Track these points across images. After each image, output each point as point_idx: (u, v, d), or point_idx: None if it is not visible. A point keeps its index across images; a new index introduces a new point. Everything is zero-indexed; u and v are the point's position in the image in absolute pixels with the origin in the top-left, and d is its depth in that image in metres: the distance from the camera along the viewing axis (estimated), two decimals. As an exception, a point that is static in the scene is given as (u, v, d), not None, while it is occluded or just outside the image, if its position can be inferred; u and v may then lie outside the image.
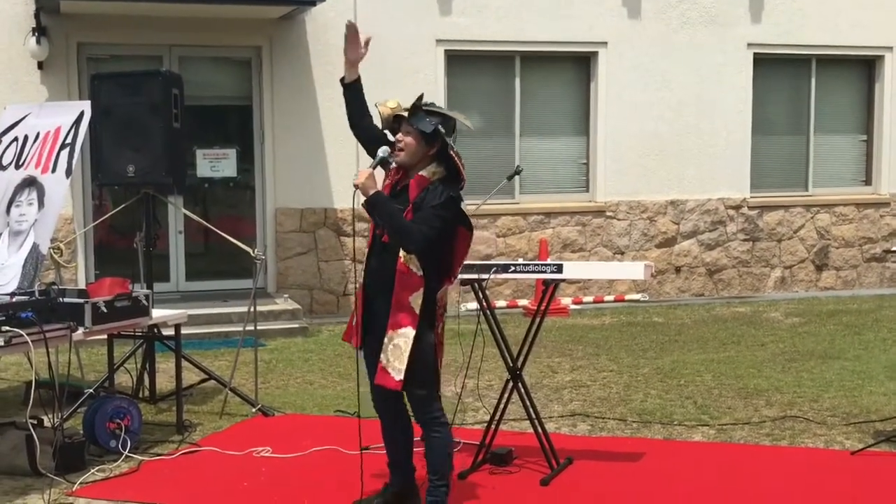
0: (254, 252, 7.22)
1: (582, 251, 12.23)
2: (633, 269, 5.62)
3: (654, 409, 6.99)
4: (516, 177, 9.87)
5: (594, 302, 12.04)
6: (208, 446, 6.10)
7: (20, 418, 5.84)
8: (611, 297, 12.16)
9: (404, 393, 4.73)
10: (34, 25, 10.25)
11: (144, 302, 6.13)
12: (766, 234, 12.92)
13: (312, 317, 10.95)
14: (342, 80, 5.03)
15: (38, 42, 10.24)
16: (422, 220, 4.52)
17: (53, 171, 7.10)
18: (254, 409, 6.91)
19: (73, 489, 5.32)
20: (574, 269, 5.64)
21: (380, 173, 4.69)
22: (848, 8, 12.88)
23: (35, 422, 5.64)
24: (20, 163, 7.32)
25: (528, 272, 5.64)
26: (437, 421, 4.74)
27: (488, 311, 5.58)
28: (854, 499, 5.16)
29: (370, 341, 4.78)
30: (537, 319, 5.58)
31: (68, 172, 7.10)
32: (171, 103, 7.04)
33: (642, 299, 12.23)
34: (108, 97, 7.11)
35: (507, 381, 5.65)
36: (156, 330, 6.94)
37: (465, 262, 5.58)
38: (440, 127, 4.66)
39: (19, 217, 7.09)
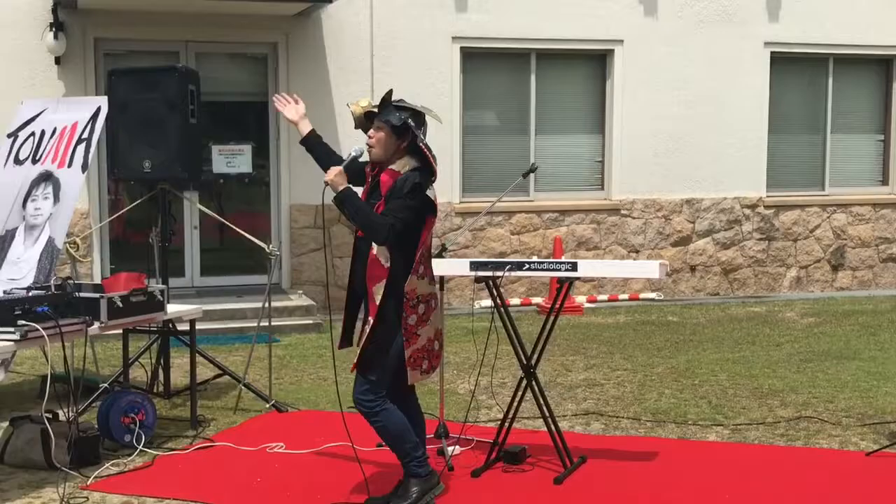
0: (268, 248, 7.24)
1: (597, 249, 12.21)
2: (648, 268, 5.60)
3: (668, 408, 6.97)
4: (531, 174, 9.85)
5: (608, 300, 12.02)
6: (222, 441, 6.12)
7: (36, 412, 5.88)
8: (625, 296, 12.14)
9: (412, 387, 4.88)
10: (51, 20, 10.29)
11: (160, 297, 6.14)
12: (782, 233, 12.87)
13: (326, 313, 10.96)
14: (300, 141, 5.33)
15: (55, 37, 10.28)
16: (390, 212, 4.64)
17: (70, 165, 7.13)
18: (267, 405, 6.92)
19: (88, 483, 5.34)
20: (589, 267, 5.62)
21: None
22: (866, 7, 12.82)
23: (50, 416, 5.65)
24: (37, 157, 7.35)
25: (542, 270, 5.63)
26: (373, 411, 4.79)
27: (503, 309, 5.56)
28: (869, 500, 5.13)
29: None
30: (551, 317, 5.57)
31: (84, 167, 7.13)
32: (188, 99, 7.05)
33: (657, 298, 12.20)
34: (124, 92, 7.12)
35: (521, 379, 5.63)
36: (171, 325, 6.95)
37: (480, 260, 5.61)
38: (410, 120, 4.78)
39: (35, 211, 7.12)
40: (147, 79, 7.13)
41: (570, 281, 5.48)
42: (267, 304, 7.16)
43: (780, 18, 12.63)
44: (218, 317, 9.87)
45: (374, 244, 4.69)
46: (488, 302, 10.50)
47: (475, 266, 5.61)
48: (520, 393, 5.65)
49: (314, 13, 11.06)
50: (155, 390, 7.13)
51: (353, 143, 5.26)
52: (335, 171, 4.64)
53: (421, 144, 4.78)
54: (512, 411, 5.68)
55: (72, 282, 5.92)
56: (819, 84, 13.04)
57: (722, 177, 12.61)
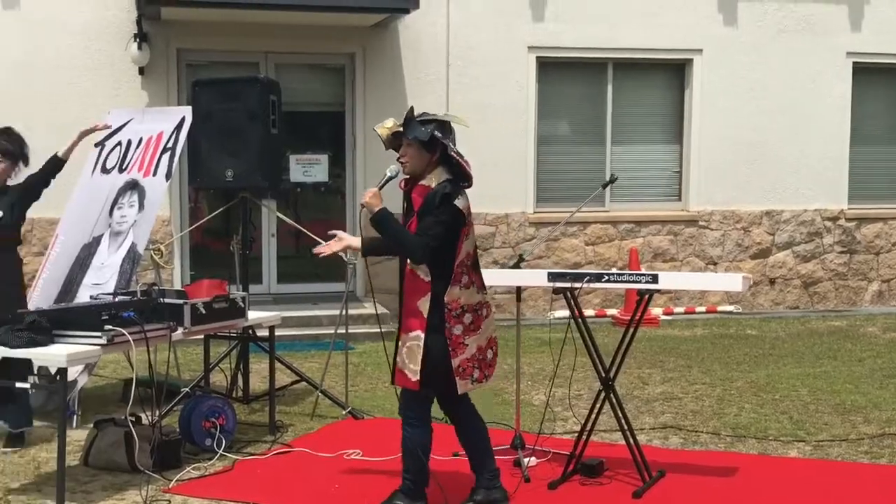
0: (345, 256, 7.29)
1: (673, 261, 12.08)
2: (730, 281, 5.52)
3: (748, 423, 6.86)
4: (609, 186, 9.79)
5: (685, 312, 11.88)
6: (300, 447, 6.18)
7: (119, 415, 5.99)
8: (702, 308, 11.98)
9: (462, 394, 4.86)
10: (136, 32, 10.53)
11: (241, 304, 6.23)
12: (864, 246, 12.60)
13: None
14: (363, 254, 5.25)
15: (139, 48, 10.51)
16: (423, 230, 4.67)
17: (154, 174, 7.28)
18: (344, 412, 6.97)
19: (170, 486, 5.42)
20: (670, 279, 5.56)
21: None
22: (953, 15, 12.51)
23: (134, 419, 5.76)
24: (123, 166, 7.52)
25: (622, 282, 5.58)
26: (409, 422, 4.85)
27: (580, 320, 5.52)
28: (959, 522, 4.99)
29: None
30: (630, 329, 5.52)
31: (168, 176, 7.27)
32: (269, 109, 7.16)
33: (735, 311, 12.03)
34: (207, 103, 7.25)
35: (599, 392, 5.59)
36: (250, 331, 7.04)
37: (558, 271, 5.58)
38: (436, 132, 4.75)
39: (121, 218, 7.28)
40: (229, 89, 7.25)
41: (651, 293, 5.43)
42: (344, 312, 7.22)
43: (863, 28, 12.39)
44: (294, 324, 9.98)
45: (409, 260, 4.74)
46: (563, 313, 10.44)
47: (553, 277, 5.58)
48: (597, 405, 5.61)
49: (391, 24, 11.15)
50: (234, 395, 7.22)
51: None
52: (371, 192, 4.71)
53: (452, 153, 4.79)
54: (589, 424, 5.64)
55: (157, 288, 6.03)
56: (903, 94, 12.76)
57: (802, 188, 12.40)
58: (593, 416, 5.63)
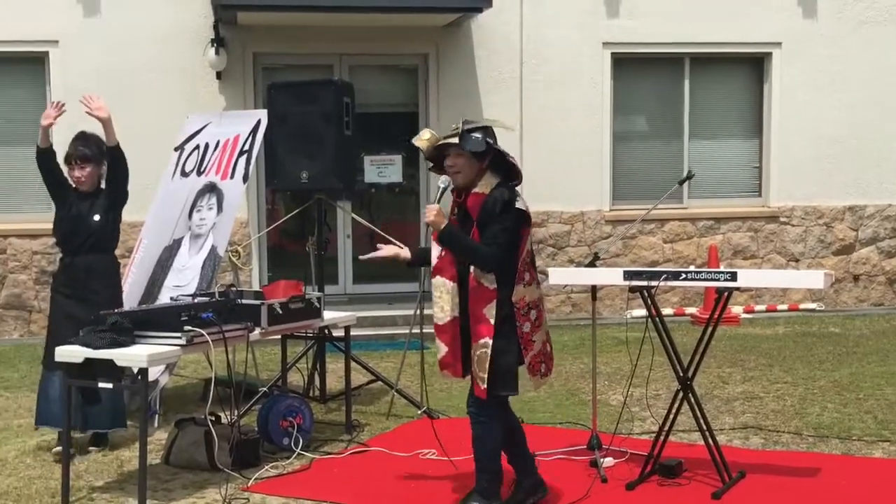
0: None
1: (754, 258, 11.87)
2: (811, 278, 5.40)
3: (831, 423, 6.70)
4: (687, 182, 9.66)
5: (766, 311, 11.66)
6: (376, 446, 6.21)
7: (199, 414, 6.08)
8: (784, 307, 11.75)
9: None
10: (213, 37, 10.69)
11: (317, 304, 6.28)
12: (953, 241, 12.24)
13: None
14: (408, 265, 5.41)
15: (216, 53, 10.67)
16: (490, 239, 4.69)
17: (232, 177, 7.39)
18: (419, 412, 6.99)
19: (249, 485, 5.49)
20: (749, 277, 5.45)
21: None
22: None
23: (213, 418, 5.85)
24: (201, 169, 7.64)
25: (700, 280, 5.49)
26: (477, 419, 4.85)
27: (657, 319, 5.45)
28: None
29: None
30: (709, 328, 5.43)
31: (245, 178, 7.37)
32: (343, 111, 7.21)
33: (818, 309, 11.77)
34: (283, 105, 7.33)
35: (678, 391, 5.51)
36: (326, 331, 7.10)
37: (634, 269, 5.52)
38: (488, 140, 4.80)
39: (200, 221, 7.40)
40: (304, 92, 7.32)
41: (730, 291, 5.33)
42: (420, 312, 7.23)
43: (949, 17, 12.05)
44: (369, 324, 10.04)
45: (472, 269, 4.74)
46: (640, 312, 10.33)
47: (629, 275, 5.51)
48: (676, 405, 5.53)
49: (464, 23, 11.14)
50: (311, 395, 7.29)
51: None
52: (434, 210, 4.72)
53: (510, 158, 4.84)
54: (668, 424, 5.56)
55: (234, 289, 6.11)
56: None
57: (887, 183, 12.08)
58: (671, 416, 5.55)
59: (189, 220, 7.49)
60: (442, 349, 4.92)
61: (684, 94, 11.81)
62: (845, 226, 12.06)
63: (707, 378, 8.05)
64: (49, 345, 6.16)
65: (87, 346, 5.10)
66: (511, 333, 4.75)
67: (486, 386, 4.72)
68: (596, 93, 11.51)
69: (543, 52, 11.41)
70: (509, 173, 4.87)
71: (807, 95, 11.84)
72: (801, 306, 11.79)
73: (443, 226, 4.71)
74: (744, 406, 7.22)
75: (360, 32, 10.94)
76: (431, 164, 5.09)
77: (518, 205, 4.75)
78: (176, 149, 8.01)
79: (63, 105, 6.17)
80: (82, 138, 6.30)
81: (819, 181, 11.95)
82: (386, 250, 5.33)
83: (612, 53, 11.55)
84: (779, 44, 11.77)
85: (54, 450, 6.06)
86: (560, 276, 6.54)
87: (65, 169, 6.27)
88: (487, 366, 4.70)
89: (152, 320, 5.28)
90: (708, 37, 11.63)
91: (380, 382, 7.38)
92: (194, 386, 8.10)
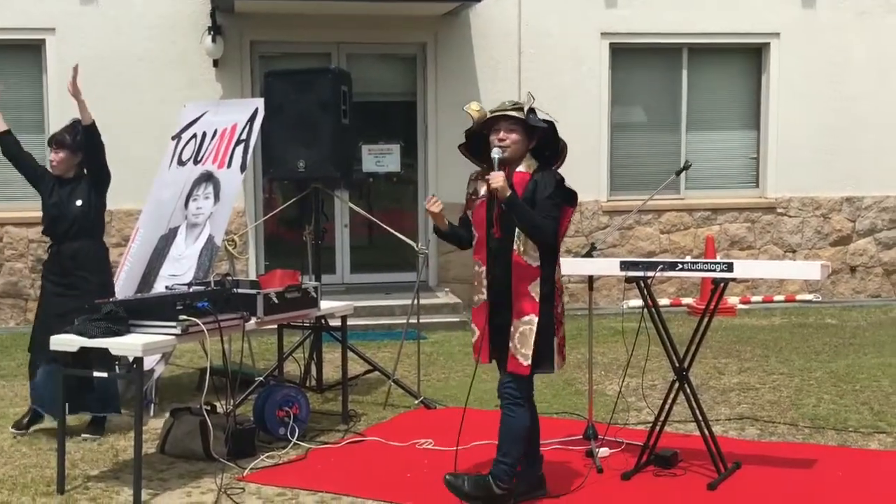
0: (417, 246, 7.30)
1: (751, 249, 11.87)
2: (808, 269, 5.39)
3: (827, 414, 6.71)
4: (683, 172, 9.64)
5: (763, 301, 11.67)
6: (372, 436, 6.21)
7: (195, 404, 6.07)
8: (781, 297, 11.76)
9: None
10: (210, 24, 10.65)
11: (313, 294, 6.27)
12: (950, 232, 12.24)
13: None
14: (434, 230, 5.26)
15: (213, 40, 10.64)
16: (547, 213, 4.71)
17: (229, 166, 7.37)
18: (416, 401, 6.99)
19: (244, 474, 5.49)
20: (745, 267, 5.45)
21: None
22: None
23: (209, 408, 5.85)
24: (198, 158, 7.62)
25: (696, 270, 5.49)
26: (517, 401, 4.84)
27: (653, 310, 5.45)
28: None
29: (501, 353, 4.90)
30: (705, 319, 5.43)
31: (243, 167, 7.35)
32: (340, 100, 7.18)
33: (815, 300, 11.78)
34: (280, 94, 7.29)
35: (673, 382, 5.51)
36: (323, 321, 7.09)
37: (630, 260, 5.52)
38: (549, 119, 4.88)
39: (196, 210, 7.38)
40: (301, 80, 7.29)
41: (726, 282, 5.33)
42: (416, 301, 7.22)
43: (949, 7, 12.03)
44: (367, 313, 10.03)
45: (516, 246, 4.73)
46: (637, 302, 10.31)
47: (625, 266, 5.52)
48: (672, 396, 5.53)
49: (462, 12, 11.11)
50: (308, 384, 7.28)
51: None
52: (500, 177, 4.65)
53: (562, 142, 4.93)
54: (664, 414, 5.56)
55: (230, 278, 6.10)
56: None
57: (884, 174, 12.08)
58: (667, 407, 5.55)
59: (185, 209, 7.47)
60: (475, 333, 4.95)
61: (682, 85, 11.79)
62: (842, 217, 12.05)
63: (703, 369, 8.06)
64: (35, 332, 6.20)
65: (82, 334, 5.09)
66: (551, 312, 4.79)
67: (528, 363, 4.73)
68: (594, 83, 11.49)
69: (541, 41, 11.39)
70: (547, 159, 4.89)
71: (805, 86, 11.82)
72: (798, 297, 11.80)
73: (508, 192, 4.66)
74: (740, 397, 7.23)
75: (358, 21, 10.91)
76: (463, 142, 5.04)
77: (567, 185, 4.82)
78: (173, 138, 7.99)
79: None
80: (69, 124, 6.31)
81: (816, 172, 11.94)
82: (435, 206, 5.04)
83: (611, 44, 11.54)
84: (777, 34, 11.75)
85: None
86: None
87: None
88: (532, 342, 4.71)
89: (147, 309, 5.27)
90: (706, 27, 11.61)
91: (377, 372, 7.37)
92: (190, 375, 8.10)
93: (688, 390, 5.48)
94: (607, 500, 5.05)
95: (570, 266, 6.13)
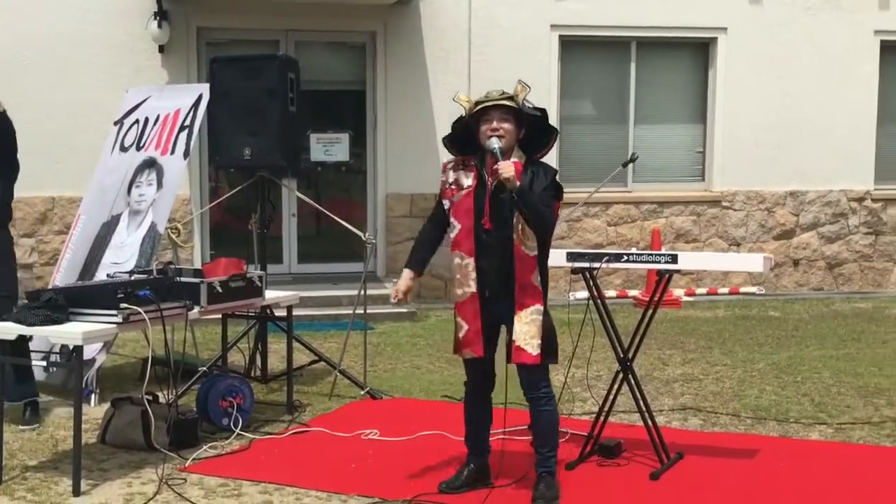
0: (365, 236, 7.26)
1: (696, 242, 11.98)
2: (751, 262, 5.45)
3: (769, 405, 6.79)
4: (630, 164, 9.71)
5: (707, 294, 11.79)
6: (317, 427, 6.16)
7: (136, 394, 5.99)
8: (725, 290, 11.89)
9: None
10: (156, 10, 10.49)
11: (258, 283, 6.21)
12: (890, 227, 12.45)
13: (420, 302, 10.98)
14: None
15: (159, 26, 10.48)
16: (545, 204, 4.72)
17: (172, 152, 7.27)
18: (362, 392, 6.96)
19: (186, 465, 5.42)
20: (690, 259, 5.49)
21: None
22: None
23: (150, 398, 5.77)
24: (141, 144, 7.51)
25: (641, 262, 5.52)
26: (549, 394, 4.88)
27: (599, 301, 5.47)
28: (983, 507, 4.92)
29: (493, 346, 4.92)
30: (649, 311, 5.46)
31: (186, 154, 7.25)
32: (288, 87, 7.10)
33: (758, 292, 11.93)
34: (226, 80, 7.19)
35: (618, 373, 5.54)
36: (268, 311, 7.03)
37: (577, 251, 5.54)
38: (542, 108, 4.94)
39: (139, 197, 7.28)
40: (248, 67, 7.19)
41: (670, 274, 5.36)
42: (363, 292, 7.19)
43: (891, 6, 12.19)
44: (314, 303, 9.97)
45: (516, 237, 4.71)
46: (583, 293, 10.36)
47: (572, 257, 5.53)
48: (616, 386, 5.56)
49: (413, 1, 11.07)
50: (252, 375, 7.22)
51: (444, 130, 5.23)
52: (512, 166, 4.62)
53: (554, 130, 4.99)
54: (608, 405, 5.59)
55: (173, 266, 6.02)
56: (932, 73, 12.57)
57: (828, 169, 12.25)
58: (611, 397, 5.58)
59: (128, 195, 7.36)
60: (463, 327, 4.87)
61: (630, 79, 11.86)
62: (786, 211, 12.21)
63: (648, 360, 8.12)
64: None
65: (20, 322, 4.99)
66: (545, 301, 4.82)
67: (538, 352, 4.74)
68: (543, 75, 11.50)
69: (491, 32, 11.38)
70: (534, 149, 4.90)
71: (751, 81, 11.95)
72: (742, 290, 11.93)
73: (518, 182, 4.63)
74: (683, 388, 7.29)
75: (308, 8, 10.81)
76: (448, 134, 5.02)
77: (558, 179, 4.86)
78: (115, 123, 7.86)
79: None
80: None
81: (761, 167, 12.08)
82: (403, 284, 5.08)
83: (560, 36, 11.56)
84: (724, 29, 11.86)
85: None
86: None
87: None
88: (540, 332, 4.73)
89: (88, 297, 5.17)
90: (655, 21, 11.69)
91: (322, 363, 7.33)
92: (133, 365, 7.99)
93: (632, 381, 5.51)
94: (551, 490, 5.06)
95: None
